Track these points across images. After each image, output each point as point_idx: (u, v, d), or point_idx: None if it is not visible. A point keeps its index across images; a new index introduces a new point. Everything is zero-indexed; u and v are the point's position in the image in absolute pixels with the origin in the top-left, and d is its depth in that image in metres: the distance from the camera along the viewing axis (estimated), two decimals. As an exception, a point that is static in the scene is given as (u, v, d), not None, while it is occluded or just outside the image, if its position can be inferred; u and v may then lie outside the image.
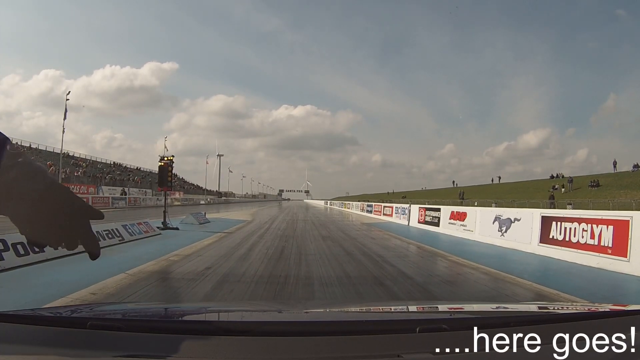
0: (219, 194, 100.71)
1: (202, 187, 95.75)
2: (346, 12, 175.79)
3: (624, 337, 1.12)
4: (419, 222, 16.71)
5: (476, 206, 22.53)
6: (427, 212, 16.14)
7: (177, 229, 13.10)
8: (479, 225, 11.97)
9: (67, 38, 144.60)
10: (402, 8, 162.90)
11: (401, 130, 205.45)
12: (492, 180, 74.59)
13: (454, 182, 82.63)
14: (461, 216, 13.10)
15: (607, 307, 1.64)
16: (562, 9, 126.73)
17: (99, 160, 65.62)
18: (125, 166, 72.69)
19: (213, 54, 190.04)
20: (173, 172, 13.56)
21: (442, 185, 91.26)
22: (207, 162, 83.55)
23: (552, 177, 60.46)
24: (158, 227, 12.66)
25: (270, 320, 1.53)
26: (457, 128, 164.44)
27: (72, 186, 38.37)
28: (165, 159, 13.53)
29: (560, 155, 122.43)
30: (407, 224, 18.21)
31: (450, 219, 13.78)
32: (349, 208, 37.50)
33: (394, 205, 21.63)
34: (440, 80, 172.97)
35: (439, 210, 15.14)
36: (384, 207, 23.49)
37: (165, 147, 38.19)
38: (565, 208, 26.40)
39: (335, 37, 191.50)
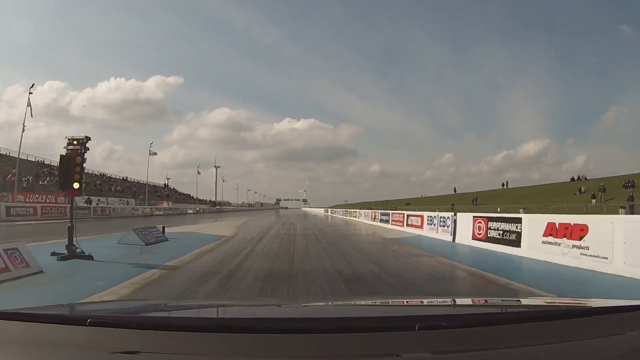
0: (212, 203, 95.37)
1: (198, 197, 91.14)
2: (344, 27, 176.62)
3: (624, 335, 1.11)
4: (476, 238, 11.36)
5: (522, 214, 17.23)
6: (492, 224, 10.77)
7: (90, 257, 7.67)
8: (621, 248, 6.63)
9: (73, 50, 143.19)
10: (400, 20, 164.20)
11: (401, 142, 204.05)
12: (503, 185, 70.06)
13: (454, 189, 78.36)
14: (574, 231, 7.74)
15: (608, 304, 1.62)
16: (562, 21, 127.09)
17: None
18: (109, 176, 67.32)
19: (217, 68, 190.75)
20: (84, 164, 8.08)
21: (439, 192, 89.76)
22: (198, 172, 78.03)
23: (572, 179, 55.79)
24: (57, 254, 7.38)
25: (269, 317, 1.51)
26: (456, 140, 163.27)
27: (37, 195, 32.97)
28: (74, 142, 8.05)
29: (557, 162, 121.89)
30: (451, 239, 12.88)
31: (546, 235, 8.44)
32: (355, 217, 32.05)
33: (425, 213, 16.26)
34: (440, 92, 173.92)
35: (518, 221, 9.78)
36: (408, 215, 18.12)
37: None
38: (618, 213, 21.43)
39: (336, 52, 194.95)
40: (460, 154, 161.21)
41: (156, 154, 51.36)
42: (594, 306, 1.59)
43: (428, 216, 15.59)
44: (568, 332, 1.13)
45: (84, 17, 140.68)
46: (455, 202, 56.57)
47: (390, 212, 21.45)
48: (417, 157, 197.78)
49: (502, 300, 2.33)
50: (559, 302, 1.97)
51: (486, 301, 2.12)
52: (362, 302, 2.19)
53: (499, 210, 36.83)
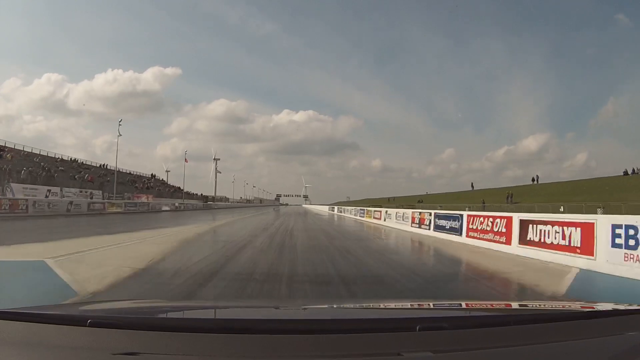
0: (204, 197, 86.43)
1: (191, 192, 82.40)
2: (342, 19, 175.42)
3: (623, 336, 1.13)
4: None
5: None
6: None
7: None
8: None
9: (70, 42, 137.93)
10: (397, 12, 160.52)
11: (401, 135, 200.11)
12: (533, 180, 61.45)
13: (472, 184, 71.21)
14: None
15: (607, 306, 1.59)
16: (559, 13, 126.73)
17: (41, 153, 51.10)
18: (81, 162, 58.24)
19: (216, 59, 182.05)
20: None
21: (442, 189, 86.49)
22: (186, 160, 68.61)
23: (625, 173, 46.91)
24: None
25: (269, 318, 1.49)
26: (456, 133, 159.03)
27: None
28: None
29: (560, 159, 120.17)
30: None
31: None
32: (378, 218, 22.75)
33: (603, 218, 6.99)
34: (438, 84, 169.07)
35: None
36: (533, 223, 8.83)
37: None
38: None
39: (333, 44, 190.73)
40: (461, 149, 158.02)
41: (120, 134, 42.20)
42: (594, 309, 1.57)
43: (629, 226, 6.32)
44: (568, 333, 1.13)
45: (80, 8, 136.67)
46: (474, 199, 48.09)
47: (463, 213, 12.17)
48: (417, 152, 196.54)
49: (503, 303, 2.32)
50: (560, 305, 1.97)
51: (487, 304, 2.05)
52: (363, 305, 2.19)
53: (561, 209, 27.89)
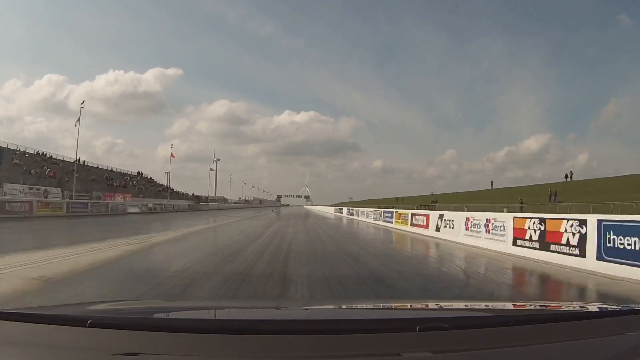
0: (196, 198, 78.69)
1: (182, 192, 74.84)
2: (342, 19, 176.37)
3: (623, 336, 1.11)
4: None
5: None
6: None
7: None
8: None
9: (71, 43, 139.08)
10: (398, 13, 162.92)
11: (401, 136, 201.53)
12: (566, 177, 53.84)
13: (491, 182, 63.54)
14: None
15: (607, 307, 1.59)
16: (560, 13, 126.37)
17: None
18: (49, 156, 50.47)
19: (217, 60, 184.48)
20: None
21: (443, 190, 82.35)
22: (172, 156, 60.76)
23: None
24: None
25: (270, 318, 1.47)
26: (457, 134, 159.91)
27: None
28: None
29: (560, 160, 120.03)
30: None
31: None
32: (420, 226, 14.96)
33: None
34: (439, 85, 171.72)
35: None
36: None
37: None
38: None
39: (335, 44, 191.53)
40: (462, 150, 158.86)
41: (79, 119, 34.60)
42: (594, 309, 1.57)
43: None
44: (568, 333, 1.12)
45: (80, 9, 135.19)
46: (496, 199, 40.82)
47: None
48: (418, 152, 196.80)
49: (503, 303, 2.28)
50: (561, 306, 1.92)
51: (487, 304, 2.00)
52: (363, 305, 2.17)
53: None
